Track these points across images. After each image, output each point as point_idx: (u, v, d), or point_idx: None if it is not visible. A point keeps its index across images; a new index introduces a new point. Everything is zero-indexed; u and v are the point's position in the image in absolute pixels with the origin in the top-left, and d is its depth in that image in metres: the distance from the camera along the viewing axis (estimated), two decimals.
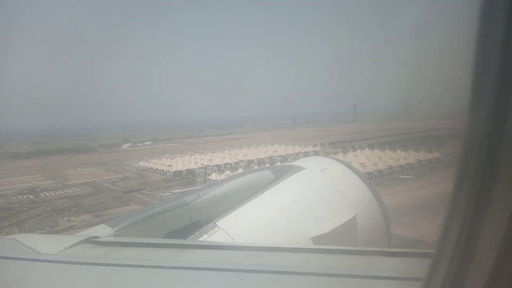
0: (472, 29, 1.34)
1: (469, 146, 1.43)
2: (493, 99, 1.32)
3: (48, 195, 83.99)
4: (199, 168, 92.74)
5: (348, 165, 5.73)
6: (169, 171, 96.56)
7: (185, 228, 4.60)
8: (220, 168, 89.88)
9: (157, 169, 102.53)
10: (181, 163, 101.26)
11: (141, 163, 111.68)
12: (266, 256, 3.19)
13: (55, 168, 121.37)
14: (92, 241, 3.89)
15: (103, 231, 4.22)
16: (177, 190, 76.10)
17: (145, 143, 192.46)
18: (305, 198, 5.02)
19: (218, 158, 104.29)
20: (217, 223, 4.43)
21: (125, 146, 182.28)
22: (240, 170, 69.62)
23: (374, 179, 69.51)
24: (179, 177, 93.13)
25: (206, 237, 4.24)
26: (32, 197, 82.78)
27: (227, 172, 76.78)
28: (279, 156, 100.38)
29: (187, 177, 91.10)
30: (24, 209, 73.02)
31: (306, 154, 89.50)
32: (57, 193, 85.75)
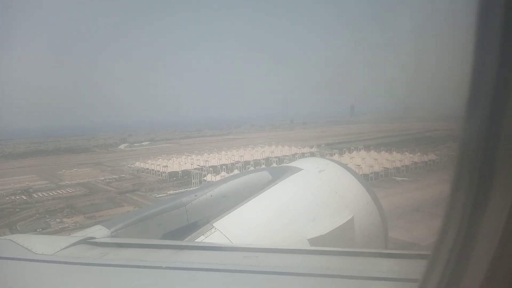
0: (469, 31, 1.34)
1: (466, 147, 1.44)
2: (490, 100, 1.32)
3: (42, 195, 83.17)
4: (195, 169, 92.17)
5: (346, 167, 5.70)
6: (165, 172, 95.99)
7: (181, 229, 4.59)
8: (216, 169, 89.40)
9: (152, 169, 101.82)
10: (177, 164, 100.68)
11: (137, 164, 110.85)
12: (263, 257, 3.20)
13: (51, 168, 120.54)
14: (89, 241, 3.89)
15: (99, 232, 4.22)
16: (172, 191, 75.65)
17: (142, 143, 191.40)
18: (302, 199, 4.98)
19: (214, 159, 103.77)
20: (214, 224, 4.40)
21: (122, 146, 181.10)
22: (236, 171, 69.26)
23: (370, 181, 69.09)
24: (174, 178, 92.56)
25: (203, 238, 4.20)
26: (25, 198, 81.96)
27: (223, 173, 76.26)
28: (275, 157, 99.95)
29: (182, 178, 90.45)
30: (17, 210, 72.24)
31: (303, 155, 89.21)
32: (50, 193, 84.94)
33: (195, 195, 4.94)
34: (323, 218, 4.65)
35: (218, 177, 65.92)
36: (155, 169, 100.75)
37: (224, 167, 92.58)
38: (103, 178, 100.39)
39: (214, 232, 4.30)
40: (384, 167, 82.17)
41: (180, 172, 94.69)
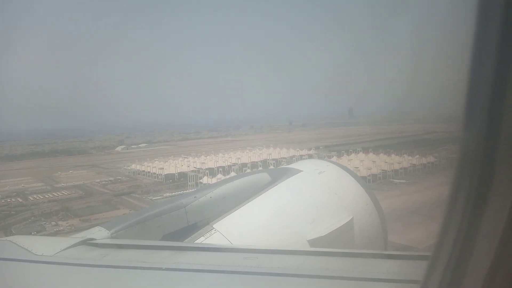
0: (467, 33, 1.35)
1: (466, 149, 1.45)
2: (489, 102, 1.33)
3: (37, 198, 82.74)
4: (192, 171, 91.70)
5: (345, 168, 5.66)
6: (161, 174, 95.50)
7: (181, 231, 4.58)
8: (212, 172, 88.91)
9: (149, 172, 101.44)
10: (173, 166, 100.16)
11: (133, 166, 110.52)
12: (263, 258, 3.20)
13: (47, 170, 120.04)
14: (89, 243, 3.89)
15: (99, 233, 4.22)
16: (168, 194, 75.24)
17: (139, 145, 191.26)
18: (301, 200, 4.97)
19: (211, 161, 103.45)
20: (214, 226, 4.38)
21: (119, 148, 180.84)
22: (233, 174, 68.80)
23: (368, 184, 68.68)
24: (171, 180, 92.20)
25: (203, 240, 4.18)
26: (20, 200, 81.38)
27: (219, 176, 75.82)
28: (273, 159, 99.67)
29: (179, 180, 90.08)
30: (12, 212, 71.84)
31: (300, 157, 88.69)
32: (46, 196, 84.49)
33: (195, 197, 4.94)
34: (323, 220, 4.64)
35: (214, 180, 65.48)
36: (152, 171, 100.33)
37: (221, 169, 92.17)
38: (99, 180, 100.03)
39: (214, 233, 4.28)
40: (382, 170, 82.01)
41: (177, 174, 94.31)
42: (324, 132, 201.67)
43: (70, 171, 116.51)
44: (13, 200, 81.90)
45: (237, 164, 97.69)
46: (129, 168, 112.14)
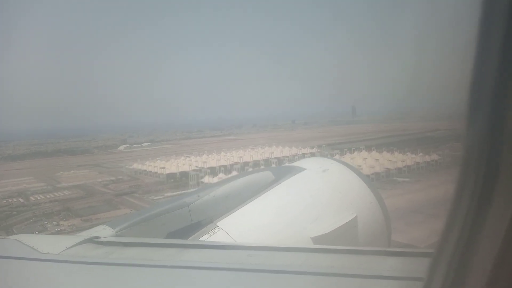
0: (470, 31, 1.34)
1: (470, 147, 1.44)
2: (493, 99, 1.32)
3: (39, 198, 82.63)
4: (193, 170, 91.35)
5: (349, 166, 5.63)
6: (163, 174, 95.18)
7: (185, 229, 4.58)
8: (214, 171, 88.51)
9: (150, 171, 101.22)
10: (175, 165, 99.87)
11: (135, 165, 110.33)
12: (266, 255, 3.22)
13: (49, 170, 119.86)
14: (94, 241, 3.89)
15: (104, 231, 4.23)
16: (169, 194, 74.95)
17: (142, 144, 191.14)
18: (305, 198, 4.94)
19: (213, 160, 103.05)
20: (217, 224, 4.36)
21: (121, 148, 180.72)
22: (235, 173, 68.39)
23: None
24: (172, 180, 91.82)
25: (207, 238, 4.17)
26: (22, 200, 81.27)
27: (221, 175, 75.42)
28: (275, 158, 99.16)
29: (180, 180, 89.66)
30: (14, 213, 71.77)
31: (303, 156, 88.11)
32: (47, 196, 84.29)
33: (198, 196, 4.95)
34: (326, 217, 4.63)
35: (216, 179, 65.09)
36: (154, 171, 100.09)
37: (222, 168, 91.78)
38: (100, 180, 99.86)
39: (218, 231, 4.27)
40: (385, 168, 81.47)
41: (178, 174, 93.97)
42: (326, 131, 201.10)
43: (72, 171, 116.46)
44: (14, 200, 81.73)
45: (239, 163, 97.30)
46: (131, 167, 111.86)
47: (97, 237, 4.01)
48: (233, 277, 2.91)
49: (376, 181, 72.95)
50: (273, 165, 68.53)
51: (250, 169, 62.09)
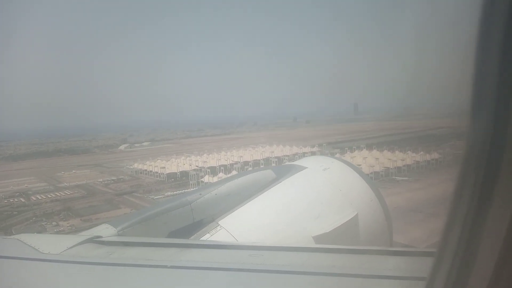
0: (472, 29, 1.34)
1: (472, 145, 1.44)
2: (495, 97, 1.32)
3: (40, 198, 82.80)
4: (193, 170, 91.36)
5: (350, 164, 5.66)
6: (163, 173, 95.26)
7: (187, 228, 4.57)
8: (214, 170, 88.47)
9: (151, 171, 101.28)
10: (175, 165, 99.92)
11: (135, 165, 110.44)
12: (268, 255, 3.20)
13: (50, 170, 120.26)
14: (95, 240, 3.89)
15: (105, 230, 4.22)
16: (169, 193, 74.98)
17: (142, 143, 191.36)
18: (306, 197, 4.98)
19: (213, 160, 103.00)
20: (219, 223, 4.38)
21: (122, 147, 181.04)
22: (235, 172, 68.35)
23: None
24: (173, 179, 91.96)
25: (208, 237, 4.20)
26: (23, 200, 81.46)
27: (221, 175, 75.38)
28: (276, 157, 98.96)
29: (181, 179, 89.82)
30: (14, 213, 71.93)
31: (303, 155, 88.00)
32: (48, 196, 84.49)
33: (200, 194, 4.94)
34: (327, 216, 4.64)
35: (215, 179, 65.02)
36: (154, 170, 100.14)
37: (222, 168, 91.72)
38: (101, 180, 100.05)
39: (219, 230, 4.29)
40: (385, 167, 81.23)
41: (179, 173, 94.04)
42: (328, 129, 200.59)
43: (73, 171, 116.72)
44: (15, 200, 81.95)
45: (239, 162, 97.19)
46: (131, 167, 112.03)
47: (98, 237, 4.03)
48: (234, 277, 2.91)
49: (376, 180, 72.74)
50: (273, 165, 68.34)
51: (250, 169, 62.11)
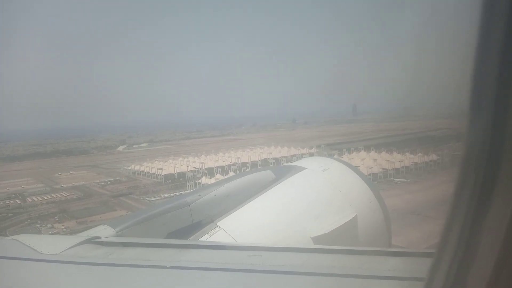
0: (470, 30, 1.35)
1: (471, 146, 1.44)
2: (494, 98, 1.32)
3: (36, 199, 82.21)
4: (191, 171, 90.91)
5: (349, 165, 5.68)
6: (160, 175, 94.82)
7: (186, 229, 4.58)
8: (211, 172, 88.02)
9: (148, 172, 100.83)
10: (173, 166, 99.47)
11: (133, 166, 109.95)
12: (267, 256, 3.20)
13: (47, 171, 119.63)
14: (94, 241, 3.88)
15: (104, 231, 4.21)
16: (166, 195, 74.49)
17: (141, 144, 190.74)
18: (306, 198, 4.98)
19: (211, 161, 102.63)
20: (218, 223, 4.39)
21: (120, 148, 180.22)
22: (232, 174, 67.96)
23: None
24: (170, 181, 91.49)
25: (207, 238, 4.19)
26: (19, 202, 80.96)
27: (218, 176, 74.95)
28: (273, 158, 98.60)
29: (178, 181, 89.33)
30: (10, 214, 71.35)
31: (301, 156, 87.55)
32: (45, 197, 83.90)
33: (199, 195, 4.94)
34: (327, 217, 4.65)
35: (213, 180, 64.67)
36: (151, 172, 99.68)
37: (220, 169, 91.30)
38: (98, 181, 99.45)
39: (218, 231, 4.28)
40: (383, 168, 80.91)
41: (176, 175, 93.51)
42: (327, 130, 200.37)
43: (71, 172, 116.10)
44: (11, 202, 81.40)
45: (236, 163, 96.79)
46: (129, 168, 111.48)
47: (97, 237, 4.01)
48: (233, 278, 2.91)
49: (374, 181, 72.41)
50: (271, 166, 68.00)
51: (248, 170, 61.80)
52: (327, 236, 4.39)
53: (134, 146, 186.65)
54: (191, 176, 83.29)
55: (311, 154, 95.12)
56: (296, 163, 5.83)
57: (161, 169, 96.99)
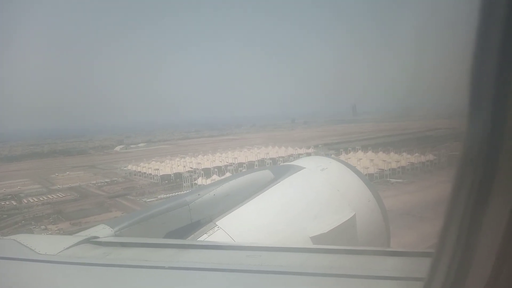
0: (470, 30, 1.34)
1: (469, 145, 1.44)
2: (493, 98, 1.32)
3: (32, 200, 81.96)
4: (187, 172, 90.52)
5: (348, 165, 5.70)
6: (157, 175, 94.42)
7: (185, 228, 4.57)
8: (208, 172, 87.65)
9: (145, 173, 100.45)
10: (169, 166, 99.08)
11: (130, 167, 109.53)
12: (266, 256, 3.22)
13: (44, 171, 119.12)
14: (92, 241, 3.87)
15: (103, 231, 4.20)
16: (162, 195, 74.26)
17: (138, 145, 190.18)
18: (304, 197, 4.99)
19: (208, 161, 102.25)
20: (217, 223, 4.38)
21: (118, 148, 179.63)
22: (228, 174, 67.65)
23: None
24: (166, 181, 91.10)
25: (206, 237, 4.19)
26: (14, 203, 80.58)
27: (214, 177, 74.61)
28: (271, 158, 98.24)
29: (174, 181, 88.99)
30: (4, 216, 71.05)
31: (299, 156, 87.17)
32: (41, 198, 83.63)
33: (198, 194, 4.95)
34: (325, 216, 4.66)
35: (209, 180, 64.32)
36: (148, 172, 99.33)
37: (216, 169, 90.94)
38: (95, 182, 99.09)
39: (217, 230, 4.28)
40: (379, 169, 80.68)
41: (173, 175, 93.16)
42: (326, 130, 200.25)
43: (67, 173, 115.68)
44: (7, 203, 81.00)
45: (233, 164, 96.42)
46: (125, 168, 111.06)
47: (95, 237, 3.99)
48: (232, 278, 2.90)
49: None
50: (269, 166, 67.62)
51: (244, 171, 61.29)
52: (326, 235, 4.39)
53: (131, 146, 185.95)
54: (188, 176, 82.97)
55: (309, 154, 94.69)
56: (294, 163, 5.82)
57: (157, 169, 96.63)
